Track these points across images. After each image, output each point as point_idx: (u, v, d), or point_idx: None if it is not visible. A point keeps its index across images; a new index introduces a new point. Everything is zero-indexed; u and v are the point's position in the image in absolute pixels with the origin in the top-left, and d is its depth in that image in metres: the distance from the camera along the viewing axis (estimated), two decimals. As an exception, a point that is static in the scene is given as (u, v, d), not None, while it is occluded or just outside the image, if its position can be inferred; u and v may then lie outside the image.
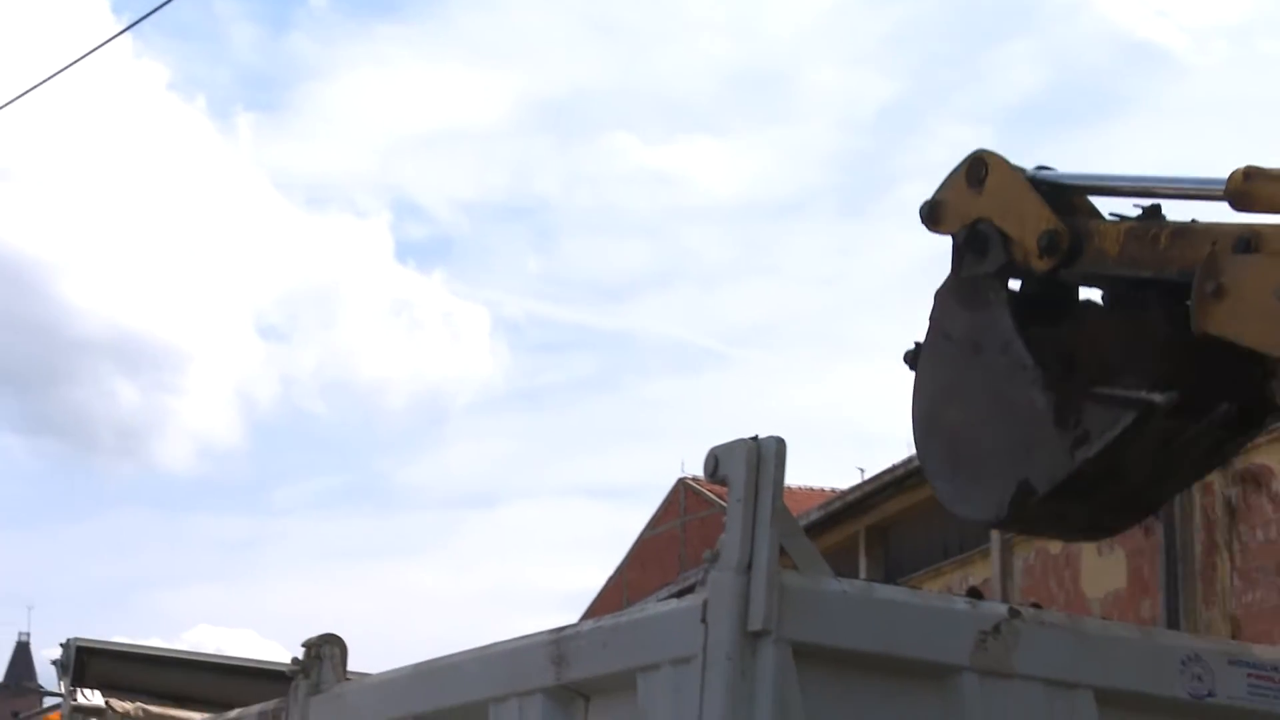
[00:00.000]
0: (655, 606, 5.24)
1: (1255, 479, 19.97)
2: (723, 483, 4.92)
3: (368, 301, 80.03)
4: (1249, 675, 5.48)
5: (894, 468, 26.68)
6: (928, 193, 6.68)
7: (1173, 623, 20.14)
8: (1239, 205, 5.97)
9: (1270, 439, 18.53)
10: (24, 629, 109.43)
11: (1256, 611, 19.48)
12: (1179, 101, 63.27)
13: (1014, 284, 6.48)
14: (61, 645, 10.95)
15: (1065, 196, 6.48)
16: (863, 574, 26.68)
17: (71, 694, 10.43)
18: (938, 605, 5.23)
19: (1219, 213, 5.90)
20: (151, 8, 15.10)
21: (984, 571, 24.77)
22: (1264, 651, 5.81)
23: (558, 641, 5.45)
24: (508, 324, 75.97)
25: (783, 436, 4.91)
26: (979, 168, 6.65)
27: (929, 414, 6.58)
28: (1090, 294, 6.54)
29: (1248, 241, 5.83)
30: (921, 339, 6.58)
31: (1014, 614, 5.20)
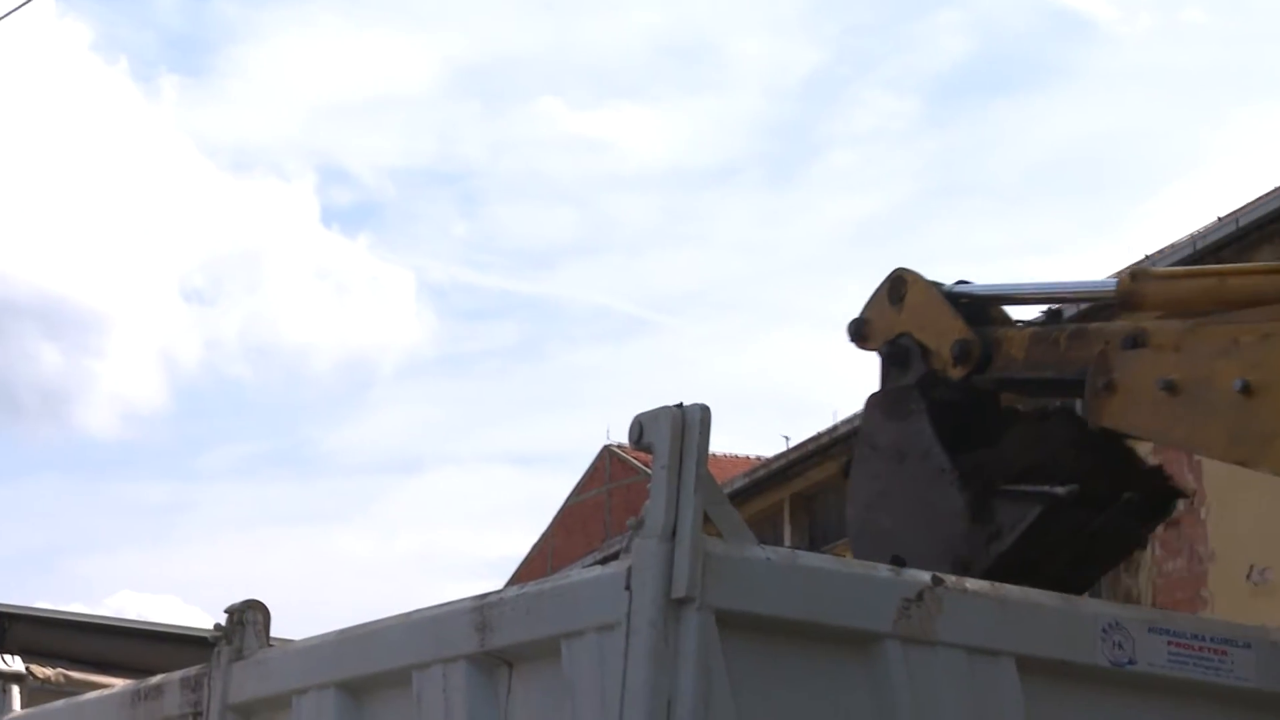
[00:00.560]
0: (580, 573, 5.22)
1: (1177, 448, 20.14)
2: (647, 450, 4.90)
3: (293, 266, 79.31)
4: (1169, 643, 5.51)
5: (819, 435, 26.75)
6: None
7: (1094, 591, 20.29)
8: (1127, 305, 6.23)
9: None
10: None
11: (1177, 580, 19.66)
12: (1106, 70, 63.60)
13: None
14: (-19, 611, 10.90)
15: (983, 307, 6.83)
16: (787, 541, 26.76)
17: (-9, 659, 10.35)
18: (861, 573, 5.24)
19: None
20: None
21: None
22: (1185, 619, 5.86)
23: (481, 608, 5.43)
24: (434, 289, 75.61)
25: (708, 404, 4.91)
26: (899, 286, 7.01)
27: (862, 521, 6.94)
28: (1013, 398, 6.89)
29: (1134, 338, 6.08)
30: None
31: (937, 581, 5.22)
